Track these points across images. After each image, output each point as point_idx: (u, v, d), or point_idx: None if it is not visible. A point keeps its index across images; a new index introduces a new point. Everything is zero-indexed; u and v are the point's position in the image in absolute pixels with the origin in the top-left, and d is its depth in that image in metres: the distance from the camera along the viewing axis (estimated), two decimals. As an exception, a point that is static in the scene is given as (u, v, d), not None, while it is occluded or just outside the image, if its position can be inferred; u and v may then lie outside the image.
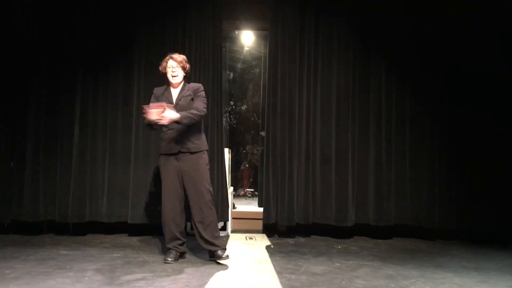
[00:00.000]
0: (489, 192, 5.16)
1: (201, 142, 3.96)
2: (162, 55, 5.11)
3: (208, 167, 3.98)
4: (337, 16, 5.33)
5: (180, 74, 3.99)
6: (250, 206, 6.90)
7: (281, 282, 3.32)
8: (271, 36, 5.36)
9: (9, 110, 5.09)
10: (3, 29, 5.09)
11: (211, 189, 3.96)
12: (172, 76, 3.97)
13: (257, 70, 7.96)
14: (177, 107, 3.86)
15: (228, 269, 3.72)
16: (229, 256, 3.88)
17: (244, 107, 11.04)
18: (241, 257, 4.15)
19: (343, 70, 5.31)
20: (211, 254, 3.94)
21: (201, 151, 3.94)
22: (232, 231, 5.47)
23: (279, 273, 3.60)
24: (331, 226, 5.16)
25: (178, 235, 3.97)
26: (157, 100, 3.96)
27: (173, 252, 3.94)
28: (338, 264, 3.95)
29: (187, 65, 4.05)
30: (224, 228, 5.32)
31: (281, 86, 5.27)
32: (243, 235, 5.29)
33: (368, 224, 5.21)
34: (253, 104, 10.56)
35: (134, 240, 4.84)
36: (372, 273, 3.68)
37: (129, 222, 5.02)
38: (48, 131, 5.08)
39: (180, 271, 3.57)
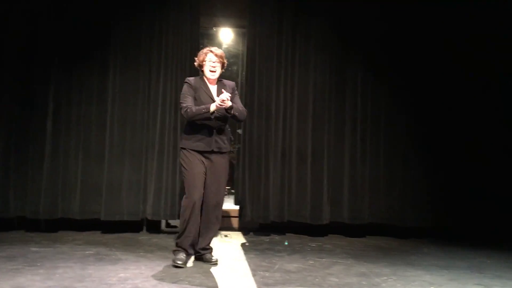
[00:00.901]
0: (461, 191, 5.26)
1: (229, 143, 3.93)
2: (137, 52, 5.12)
3: None
4: (314, 16, 5.36)
5: (219, 69, 3.84)
6: (226, 204, 6.85)
7: (255, 280, 3.33)
8: (249, 34, 5.35)
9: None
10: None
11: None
12: (211, 71, 3.80)
13: (235, 67, 7.93)
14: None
15: (202, 267, 3.71)
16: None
17: (221, 105, 10.99)
18: (216, 255, 4.12)
19: (320, 69, 5.34)
20: (198, 256, 3.85)
21: (227, 152, 3.90)
22: (207, 229, 5.44)
23: (253, 270, 3.61)
24: (306, 224, 5.20)
25: (196, 234, 3.81)
26: (195, 91, 3.78)
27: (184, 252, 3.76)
28: (312, 262, 3.98)
29: (225, 61, 3.90)
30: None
31: (258, 84, 5.27)
32: (218, 233, 5.27)
33: (343, 223, 5.26)
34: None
35: (107, 237, 4.78)
36: (345, 270, 3.72)
37: (102, 219, 4.95)
38: (19, 126, 4.97)
39: (153, 269, 3.54)
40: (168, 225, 5.32)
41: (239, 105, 3.88)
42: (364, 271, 3.72)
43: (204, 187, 3.76)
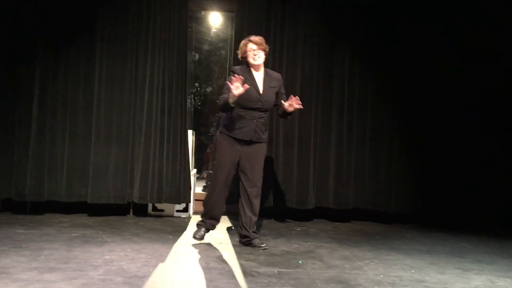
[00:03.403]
0: (444, 179, 5.35)
1: (267, 133, 4.01)
2: (125, 35, 5.08)
3: None
4: (304, 2, 5.35)
5: (262, 56, 3.83)
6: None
7: (240, 263, 3.37)
8: (238, 19, 5.33)
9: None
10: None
11: None
12: (254, 59, 3.81)
13: (223, 52, 7.91)
14: (263, 98, 3.78)
15: (187, 249, 3.75)
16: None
17: (209, 89, 10.96)
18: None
19: (308, 56, 5.35)
20: (247, 241, 3.91)
21: (265, 142, 3.98)
22: (194, 213, 5.47)
23: (238, 253, 3.65)
24: (292, 209, 5.25)
25: (218, 216, 3.99)
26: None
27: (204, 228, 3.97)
28: (297, 246, 4.04)
29: (267, 46, 3.90)
30: (186, 209, 5.32)
31: (246, 69, 5.26)
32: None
33: (328, 208, 5.33)
34: (219, 86, 10.50)
35: (94, 220, 4.79)
36: (329, 254, 3.78)
37: (88, 202, 4.96)
38: (4, 107, 4.92)
39: (139, 251, 3.57)
40: (155, 208, 5.34)
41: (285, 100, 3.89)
42: (347, 254, 3.79)
43: (241, 175, 3.88)
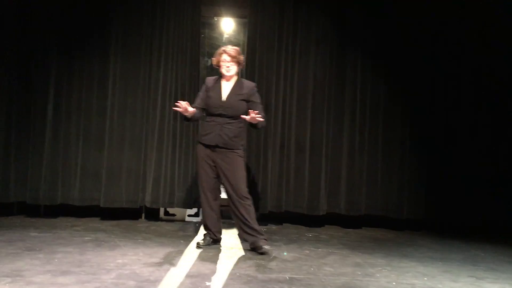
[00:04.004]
0: (458, 185, 5.30)
1: (239, 139, 3.99)
2: (139, 40, 5.14)
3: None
4: (315, 7, 5.35)
5: (234, 68, 3.93)
6: (224, 194, 6.91)
7: (251, 268, 3.38)
8: (251, 24, 5.35)
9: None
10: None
11: None
12: (226, 71, 3.92)
13: (236, 57, 7.94)
14: (226, 104, 3.86)
15: (198, 254, 3.76)
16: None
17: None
18: (213, 243, 4.18)
19: (320, 60, 5.35)
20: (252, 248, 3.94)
21: (237, 148, 3.97)
22: (205, 217, 5.48)
23: (249, 259, 3.66)
24: (303, 214, 5.24)
25: (211, 227, 4.06)
26: (207, 91, 3.95)
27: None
28: (308, 252, 4.03)
29: (241, 57, 3.99)
30: (197, 214, 5.34)
31: (258, 74, 5.28)
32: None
33: (339, 214, 5.31)
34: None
35: (106, 224, 4.82)
36: (340, 260, 3.76)
37: (101, 205, 5.00)
38: (20, 111, 5.00)
39: (151, 256, 3.58)
40: (166, 213, 5.37)
41: (259, 109, 3.91)
42: (359, 261, 3.77)
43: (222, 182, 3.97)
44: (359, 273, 3.41)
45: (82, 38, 5.09)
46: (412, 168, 5.37)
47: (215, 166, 3.93)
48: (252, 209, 3.93)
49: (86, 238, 4.10)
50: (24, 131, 5.01)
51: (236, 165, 3.91)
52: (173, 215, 5.33)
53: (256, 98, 4.01)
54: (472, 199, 5.27)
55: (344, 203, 5.29)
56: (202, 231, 4.27)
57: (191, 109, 3.82)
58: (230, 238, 4.45)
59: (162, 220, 5.26)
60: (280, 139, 5.28)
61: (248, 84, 4.04)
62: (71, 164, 5.04)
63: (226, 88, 3.96)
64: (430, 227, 5.37)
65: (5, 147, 4.94)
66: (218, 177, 3.97)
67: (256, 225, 3.91)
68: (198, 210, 5.34)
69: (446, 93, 5.38)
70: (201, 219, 4.10)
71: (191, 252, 3.82)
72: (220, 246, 4.06)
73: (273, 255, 3.80)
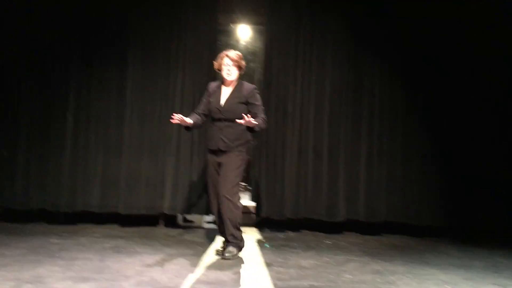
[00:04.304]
0: (478, 190, 5.22)
1: (241, 142, 3.96)
2: (156, 47, 5.19)
3: None
4: (332, 13, 5.36)
5: (235, 72, 3.95)
6: (242, 200, 6.91)
7: (270, 275, 3.36)
8: (267, 31, 5.37)
9: (1, 97, 5.06)
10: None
11: None
12: (227, 74, 3.94)
13: (252, 64, 7.95)
14: (223, 108, 3.89)
15: (217, 260, 3.76)
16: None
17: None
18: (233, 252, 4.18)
19: (337, 66, 5.34)
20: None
21: (239, 150, 3.96)
22: (223, 224, 5.49)
23: (268, 265, 3.64)
24: (321, 221, 5.21)
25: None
26: (209, 95, 4.01)
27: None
28: (327, 259, 3.99)
29: (243, 63, 4.01)
30: (215, 221, 5.33)
31: (275, 81, 5.29)
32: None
33: (358, 220, 5.26)
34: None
35: (126, 230, 4.86)
36: (360, 268, 3.72)
37: (120, 212, 5.04)
38: (41, 119, 5.08)
39: (170, 262, 3.60)
40: (184, 219, 5.39)
41: (259, 110, 3.92)
42: (379, 268, 3.72)
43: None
44: (379, 280, 3.36)
45: (101, 47, 5.17)
46: (432, 174, 5.31)
47: (218, 169, 3.93)
48: (235, 212, 3.83)
49: (105, 245, 4.13)
50: (44, 139, 5.08)
51: (231, 165, 3.87)
52: (191, 221, 5.35)
53: (255, 100, 3.97)
54: (493, 205, 5.18)
55: (363, 210, 5.24)
56: (216, 238, 4.28)
57: (188, 120, 3.86)
58: (249, 246, 4.43)
59: (180, 226, 5.28)
60: (298, 145, 5.27)
61: (247, 86, 4.02)
62: (90, 171, 5.10)
63: (226, 92, 3.98)
64: (450, 234, 5.28)
65: (26, 155, 5.03)
66: None
67: (232, 229, 3.83)
68: (216, 217, 5.34)
69: (466, 98, 5.31)
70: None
71: (210, 259, 3.82)
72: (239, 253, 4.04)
73: (292, 262, 3.78)
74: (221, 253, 3.90)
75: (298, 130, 5.28)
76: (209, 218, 5.34)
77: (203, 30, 5.25)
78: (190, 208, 5.13)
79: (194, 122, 3.94)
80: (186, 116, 3.89)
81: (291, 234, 5.14)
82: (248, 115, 3.71)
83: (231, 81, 3.99)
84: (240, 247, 3.92)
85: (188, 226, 5.28)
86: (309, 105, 5.32)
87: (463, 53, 5.34)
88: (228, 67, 3.93)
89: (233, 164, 3.87)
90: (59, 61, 5.13)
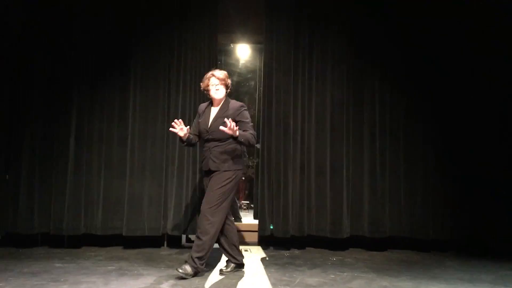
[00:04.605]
0: (484, 203, 5.18)
1: (231, 161, 3.94)
2: (157, 69, 5.22)
3: None
4: (330, 30, 5.39)
5: (222, 90, 3.98)
6: (246, 218, 6.89)
7: (276, 294, 3.33)
8: (266, 50, 5.41)
9: (4, 121, 5.08)
10: None
11: None
12: (215, 93, 3.97)
13: (252, 82, 8.01)
14: (211, 128, 3.91)
15: (222, 280, 3.72)
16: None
17: (239, 120, 11.06)
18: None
19: (337, 82, 5.36)
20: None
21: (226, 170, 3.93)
22: (228, 244, 5.45)
23: (273, 285, 3.61)
24: (326, 238, 5.17)
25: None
26: (199, 117, 4.07)
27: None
28: (333, 276, 3.95)
29: (229, 81, 4.06)
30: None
31: (276, 99, 5.31)
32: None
33: (363, 236, 5.22)
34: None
35: (129, 252, 4.83)
36: (367, 285, 3.68)
37: (124, 234, 5.02)
38: (43, 144, 5.08)
39: (175, 284, 3.57)
40: (188, 240, 5.35)
41: (248, 127, 3.92)
42: (386, 285, 3.68)
43: None
44: (387, 297, 3.33)
45: (102, 70, 5.20)
46: (437, 188, 5.28)
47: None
48: (211, 231, 3.75)
49: (109, 267, 4.10)
50: (47, 162, 5.07)
51: (216, 182, 3.84)
52: (195, 242, 5.30)
53: (243, 118, 3.96)
54: (501, 217, 5.14)
55: (368, 225, 5.20)
56: (221, 256, 4.24)
57: (186, 129, 3.86)
58: (253, 264, 4.40)
59: (184, 247, 5.24)
60: (300, 162, 5.26)
61: (235, 105, 4.01)
62: (93, 194, 5.09)
63: (214, 112, 4.01)
64: (457, 248, 5.24)
65: (28, 178, 5.02)
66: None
67: (199, 248, 3.74)
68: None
69: (469, 111, 5.31)
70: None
71: (215, 278, 3.78)
72: (243, 272, 4.01)
73: (298, 280, 3.75)
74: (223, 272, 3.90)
75: (300, 146, 5.28)
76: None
77: (203, 50, 5.29)
78: (193, 228, 5.10)
79: (189, 136, 3.96)
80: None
81: (296, 251, 5.10)
82: (230, 121, 3.68)
83: (219, 101, 4.01)
84: (198, 270, 3.78)
85: (192, 246, 5.23)
86: (310, 121, 5.33)
87: (466, 64, 5.34)
88: (216, 86, 3.97)
89: (218, 181, 3.85)
90: (61, 85, 5.15)
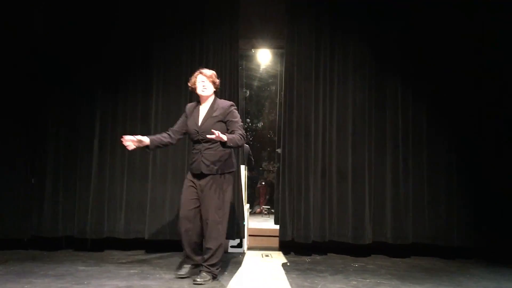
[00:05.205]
0: (509, 210, 5.07)
1: (224, 164, 3.94)
2: (179, 74, 5.26)
3: None
4: (351, 34, 5.37)
5: (210, 88, 3.95)
6: (267, 223, 6.88)
7: (298, 300, 3.31)
8: (287, 54, 5.41)
9: (29, 127, 5.18)
10: (23, 46, 5.20)
11: None
12: (202, 90, 3.94)
13: (273, 87, 8.02)
14: (201, 128, 3.86)
15: (243, 285, 3.72)
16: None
17: (260, 124, 11.08)
18: (257, 275, 4.14)
19: (359, 87, 5.32)
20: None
21: (223, 173, 3.92)
22: (248, 248, 5.46)
23: (295, 290, 3.59)
24: (348, 244, 5.12)
25: (191, 255, 4.00)
26: (188, 116, 4.01)
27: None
28: (355, 283, 3.91)
29: (217, 81, 4.03)
30: (240, 245, 5.31)
31: (297, 104, 5.30)
32: (259, 252, 5.28)
33: (386, 242, 5.15)
34: (269, 121, 10.60)
35: (151, 256, 4.87)
36: (390, 291, 3.63)
37: (146, 238, 5.06)
38: (68, 147, 5.18)
39: (196, 287, 3.57)
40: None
41: (237, 127, 3.88)
42: (409, 292, 3.63)
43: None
44: (411, 304, 3.28)
45: (125, 75, 5.28)
46: (460, 193, 5.19)
47: (199, 192, 3.86)
48: (220, 238, 3.81)
49: (132, 271, 4.13)
50: (71, 166, 5.16)
51: (218, 189, 3.82)
52: (216, 246, 5.31)
53: (233, 117, 3.93)
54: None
55: (390, 231, 5.14)
56: (242, 262, 4.22)
57: (144, 139, 3.89)
58: (274, 270, 4.38)
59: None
60: (321, 167, 5.23)
61: (224, 104, 3.98)
62: (116, 198, 5.15)
63: (202, 112, 3.95)
64: (482, 255, 5.13)
65: (53, 182, 5.12)
66: (199, 203, 3.88)
67: (213, 256, 3.78)
68: (241, 241, 5.31)
69: (493, 115, 5.21)
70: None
71: (236, 283, 3.78)
72: (265, 277, 3.99)
73: (319, 286, 3.72)
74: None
75: (321, 151, 5.25)
76: (234, 242, 5.30)
77: (224, 56, 5.31)
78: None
79: (155, 140, 3.93)
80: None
81: (317, 257, 5.06)
82: (217, 131, 3.64)
83: (207, 97, 3.96)
84: (214, 275, 3.83)
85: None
86: (331, 126, 5.30)
87: (494, 68, 5.26)
88: (203, 83, 3.93)
89: (218, 186, 3.84)
90: (86, 89, 5.24)
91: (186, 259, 4.01)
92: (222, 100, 4.09)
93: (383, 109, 5.32)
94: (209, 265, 3.78)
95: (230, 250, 5.30)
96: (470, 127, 5.25)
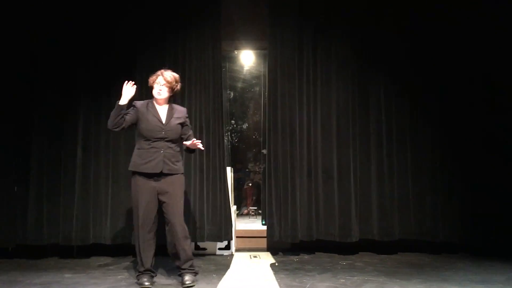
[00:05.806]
0: (493, 203, 5.14)
1: (181, 164, 4.00)
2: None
3: None
4: (335, 34, 5.39)
5: (165, 93, 3.90)
6: (254, 224, 6.88)
7: (287, 300, 3.31)
8: (270, 55, 5.42)
9: (12, 133, 5.11)
10: (6, 54, 5.14)
11: None
12: (158, 93, 3.90)
13: (257, 88, 8.02)
14: (167, 127, 3.83)
15: (233, 285, 3.72)
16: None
17: (245, 126, 11.07)
18: (246, 276, 4.14)
19: (342, 86, 5.35)
20: (179, 274, 3.89)
21: (181, 173, 3.96)
22: (236, 250, 5.45)
23: (284, 291, 3.59)
24: (335, 242, 5.15)
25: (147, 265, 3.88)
26: (141, 114, 3.85)
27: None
28: (343, 281, 3.93)
29: (177, 86, 3.98)
30: (228, 247, 5.31)
31: (281, 104, 5.31)
32: (247, 254, 5.28)
33: (373, 240, 5.19)
34: (254, 122, 10.59)
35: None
36: (378, 288, 3.66)
37: (133, 243, 5.00)
38: (51, 154, 5.11)
39: (185, 291, 3.56)
40: (197, 247, 5.35)
41: (191, 133, 4.04)
42: (397, 288, 3.66)
43: (163, 210, 3.80)
44: (398, 300, 3.30)
45: (108, 80, 5.21)
46: (445, 190, 5.25)
47: (159, 194, 3.78)
48: (189, 239, 3.90)
49: (119, 277, 4.10)
50: (55, 174, 5.10)
51: (178, 193, 3.83)
52: (204, 249, 5.31)
53: (189, 123, 4.07)
54: (510, 219, 5.09)
55: (377, 229, 5.18)
56: (231, 263, 4.22)
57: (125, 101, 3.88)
58: (263, 270, 4.38)
59: (193, 254, 5.21)
60: (307, 166, 5.25)
61: (181, 108, 4.06)
62: (101, 204, 5.10)
63: (162, 111, 3.91)
64: (467, 249, 5.20)
65: (37, 190, 5.04)
66: (159, 207, 3.81)
67: (190, 256, 3.86)
68: (229, 243, 5.31)
69: (476, 113, 5.28)
70: (138, 258, 3.84)
71: (225, 286, 3.77)
72: (255, 279, 3.99)
73: (308, 285, 3.73)
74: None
75: (307, 151, 5.27)
76: (222, 244, 5.29)
77: (207, 58, 5.30)
78: (202, 235, 5.09)
79: (125, 107, 3.89)
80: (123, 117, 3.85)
81: (305, 256, 5.08)
82: (197, 140, 3.82)
83: (163, 100, 3.94)
84: (196, 273, 3.91)
85: (201, 253, 5.24)
86: (316, 127, 5.32)
87: (476, 66, 5.32)
88: (160, 86, 3.90)
89: (179, 189, 3.85)
90: (68, 96, 5.18)
91: (146, 275, 3.80)
92: (176, 105, 4.12)
93: (367, 108, 5.36)
94: (190, 266, 3.81)
95: (218, 252, 5.29)
96: (453, 124, 5.31)
